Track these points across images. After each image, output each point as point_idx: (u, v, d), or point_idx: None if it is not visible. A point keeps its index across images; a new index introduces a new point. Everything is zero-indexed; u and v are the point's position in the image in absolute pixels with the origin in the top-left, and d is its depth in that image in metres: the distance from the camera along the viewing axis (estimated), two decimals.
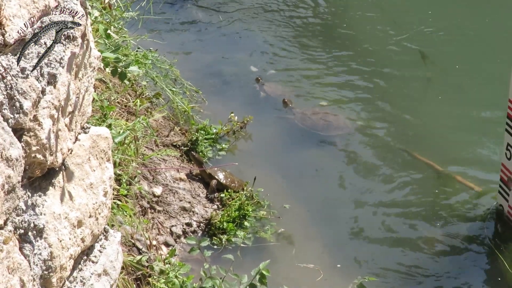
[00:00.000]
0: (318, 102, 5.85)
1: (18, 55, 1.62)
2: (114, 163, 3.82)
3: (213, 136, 5.14)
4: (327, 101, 5.87)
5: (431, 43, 6.74)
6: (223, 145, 5.17)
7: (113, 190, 2.26)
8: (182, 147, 4.97)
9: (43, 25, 1.68)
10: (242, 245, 4.27)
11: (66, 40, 1.76)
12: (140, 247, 3.78)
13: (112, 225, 3.48)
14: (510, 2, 6.11)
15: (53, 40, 1.70)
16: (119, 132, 3.84)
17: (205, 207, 4.54)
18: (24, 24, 1.62)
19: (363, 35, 6.96)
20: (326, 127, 5.52)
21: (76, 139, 1.98)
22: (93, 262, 2.11)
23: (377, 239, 4.48)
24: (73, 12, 1.80)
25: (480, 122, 5.60)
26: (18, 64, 1.62)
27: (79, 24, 1.78)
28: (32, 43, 1.66)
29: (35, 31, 1.66)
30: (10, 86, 1.58)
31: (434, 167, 5.07)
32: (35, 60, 1.65)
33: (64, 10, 1.78)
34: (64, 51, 1.76)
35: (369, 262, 4.32)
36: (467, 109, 5.77)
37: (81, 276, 2.04)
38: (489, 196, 4.77)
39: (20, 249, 1.70)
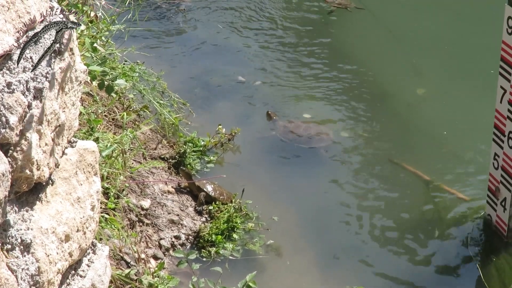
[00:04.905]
0: (302, 114, 5.85)
1: (18, 55, 1.62)
2: (102, 177, 3.81)
3: (201, 148, 5.14)
4: (311, 113, 5.85)
5: (422, 52, 6.77)
6: (211, 158, 5.16)
7: (100, 203, 2.25)
8: (170, 160, 4.96)
9: (40, 28, 1.69)
10: (230, 257, 4.26)
11: (52, 54, 1.76)
12: (129, 260, 3.76)
13: (100, 239, 3.46)
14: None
15: (53, 40, 1.70)
16: (107, 145, 3.83)
17: (194, 219, 4.53)
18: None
19: (351, 46, 6.99)
20: (308, 140, 5.51)
21: (63, 153, 1.97)
22: (81, 276, 2.10)
23: (365, 250, 4.49)
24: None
25: (468, 132, 5.62)
26: (18, 64, 1.62)
27: (79, 24, 1.78)
28: (33, 43, 1.66)
29: (35, 32, 1.67)
30: None
31: (422, 177, 5.09)
32: (21, 75, 1.65)
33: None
34: (50, 66, 1.76)
35: (358, 272, 4.32)
36: (454, 119, 5.80)
37: None
38: (477, 206, 4.79)
39: (7, 264, 1.69)
